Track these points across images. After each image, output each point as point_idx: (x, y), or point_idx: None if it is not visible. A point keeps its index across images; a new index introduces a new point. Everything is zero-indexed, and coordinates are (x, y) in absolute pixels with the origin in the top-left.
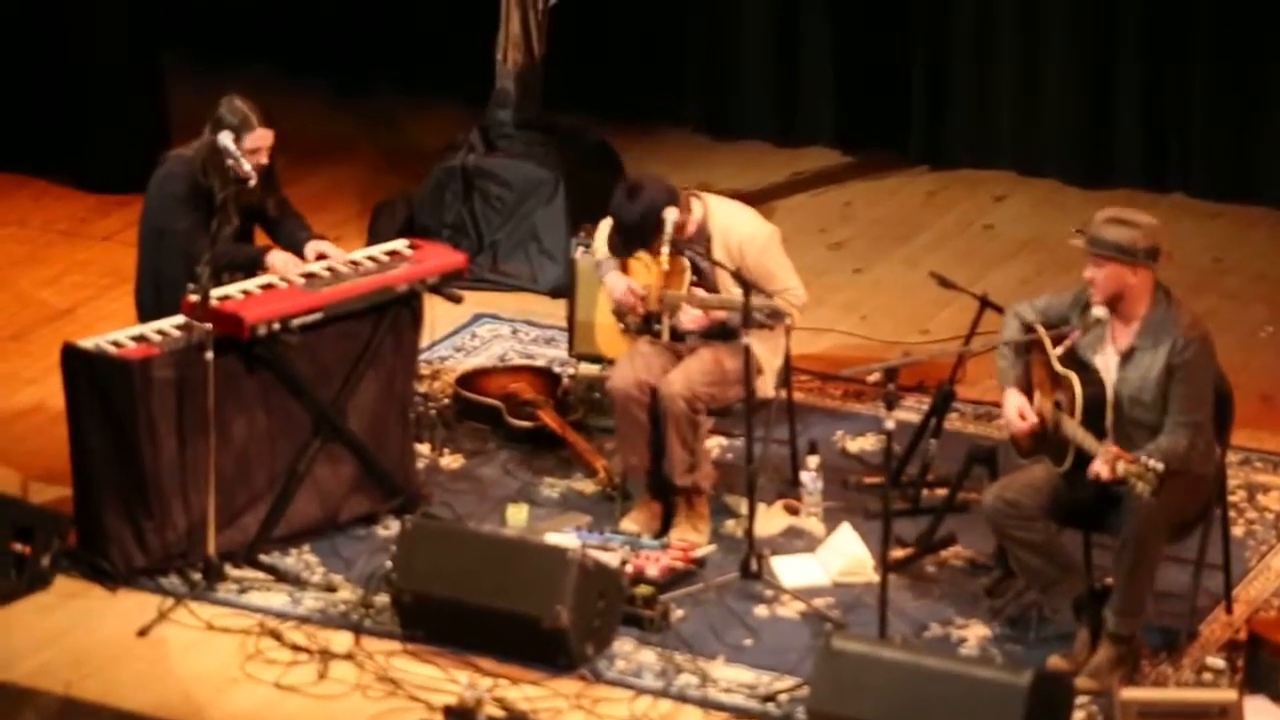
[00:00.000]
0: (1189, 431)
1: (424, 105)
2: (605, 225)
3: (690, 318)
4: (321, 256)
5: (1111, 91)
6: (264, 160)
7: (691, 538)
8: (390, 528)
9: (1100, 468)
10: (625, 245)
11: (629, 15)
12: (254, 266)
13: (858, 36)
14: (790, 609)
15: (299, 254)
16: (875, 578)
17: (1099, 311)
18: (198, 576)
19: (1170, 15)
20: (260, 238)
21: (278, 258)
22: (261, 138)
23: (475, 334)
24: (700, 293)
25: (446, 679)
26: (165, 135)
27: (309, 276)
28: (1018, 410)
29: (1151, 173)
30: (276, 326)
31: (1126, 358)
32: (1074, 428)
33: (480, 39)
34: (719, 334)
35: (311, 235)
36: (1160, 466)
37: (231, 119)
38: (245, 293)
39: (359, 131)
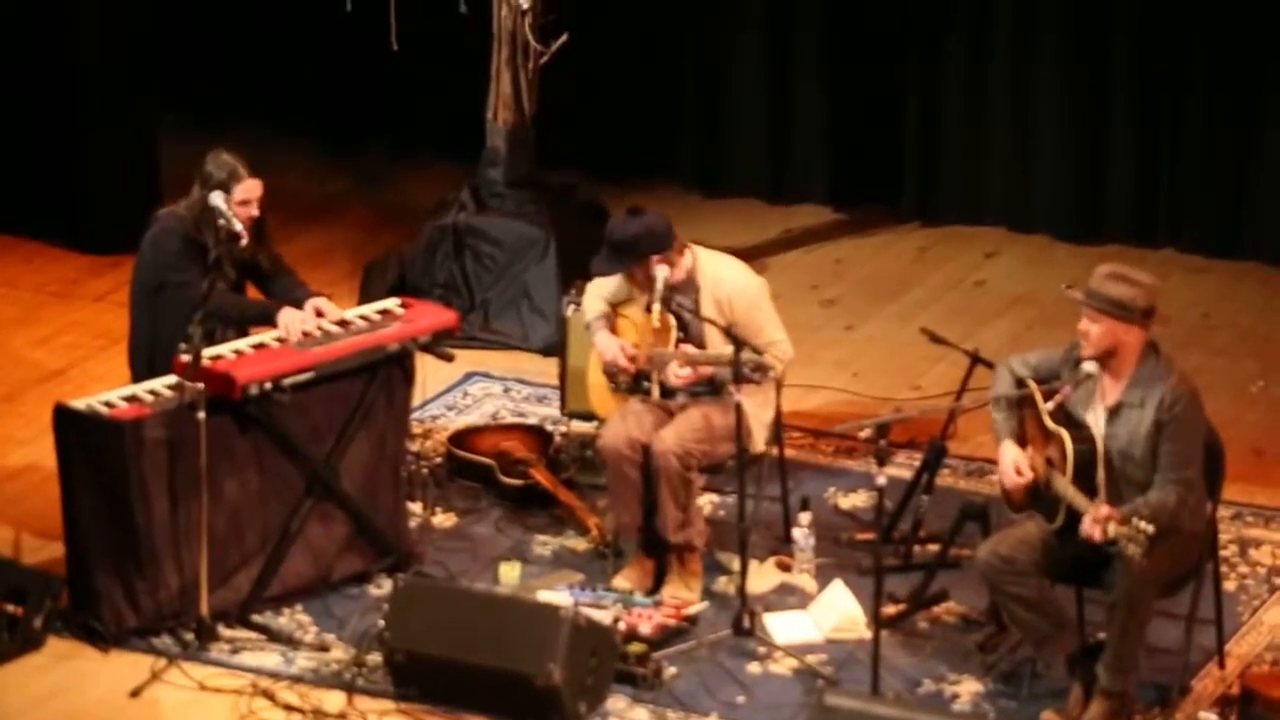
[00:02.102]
0: (1179, 488)
1: (415, 164)
2: (594, 284)
3: (677, 374)
4: (320, 313)
5: (1101, 148)
6: (254, 212)
7: (684, 595)
8: (383, 586)
9: (1091, 529)
10: (609, 261)
11: (620, 73)
12: (263, 321)
13: (849, 94)
14: (783, 666)
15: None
16: (868, 634)
17: (1089, 366)
18: (190, 636)
19: (1160, 73)
20: (253, 294)
21: (287, 314)
22: (251, 188)
23: (467, 392)
24: (688, 349)
25: None
26: (158, 196)
27: (301, 335)
28: (1014, 464)
29: (1141, 229)
30: (268, 386)
31: (1114, 413)
32: (1065, 485)
33: (471, 98)
34: (707, 390)
35: (309, 292)
36: (1151, 529)
37: (219, 173)
38: (237, 352)
39: (351, 191)
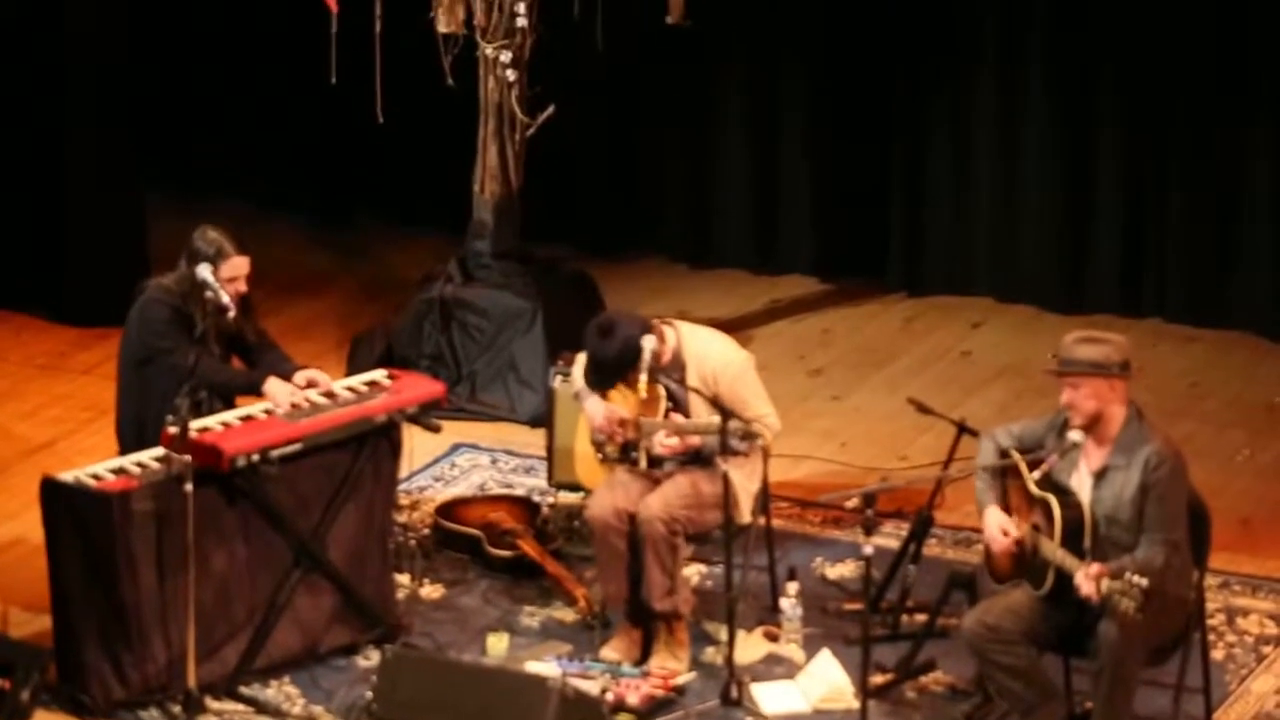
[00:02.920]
0: (1165, 549)
1: (402, 237)
2: (584, 356)
3: (665, 444)
4: (312, 384)
5: (1087, 218)
6: (242, 288)
7: (671, 665)
8: (371, 658)
9: (1086, 587)
10: (601, 382)
11: (605, 146)
12: (250, 391)
13: (834, 165)
14: None
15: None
16: (856, 704)
17: (1076, 436)
18: (178, 709)
19: (1144, 142)
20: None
21: (274, 385)
22: (238, 266)
23: (454, 464)
24: (677, 418)
25: None
26: (144, 270)
27: (289, 407)
28: (999, 526)
29: (1128, 298)
30: (256, 458)
31: (1100, 477)
32: (1053, 549)
33: (458, 170)
34: (694, 460)
35: (295, 366)
36: (1144, 582)
37: (207, 249)
38: (224, 424)
39: (337, 263)
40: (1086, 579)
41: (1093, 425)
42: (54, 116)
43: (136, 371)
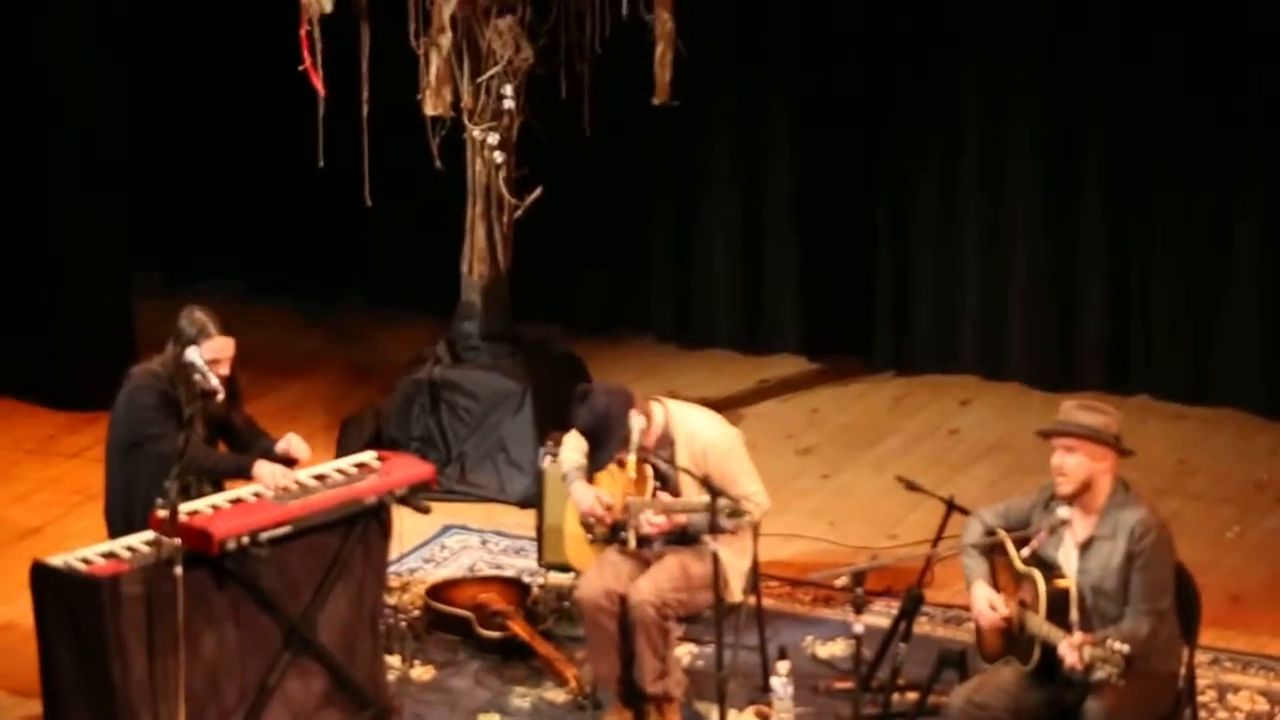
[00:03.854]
0: (1151, 619)
1: (391, 319)
2: (571, 436)
3: (651, 522)
4: (287, 454)
5: (1074, 296)
6: (225, 370)
7: None
8: None
9: (1069, 656)
10: (595, 451)
11: (593, 227)
12: (240, 475)
13: (821, 244)
14: None
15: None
16: None
17: (1063, 512)
18: None
19: (1129, 221)
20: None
21: (263, 468)
22: (221, 347)
23: (444, 545)
24: (665, 497)
25: None
26: (133, 353)
27: (278, 490)
28: (988, 602)
29: (1115, 376)
30: (245, 540)
31: (1086, 548)
32: (1039, 622)
33: (446, 252)
34: (681, 539)
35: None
36: (1125, 648)
37: (190, 330)
38: (214, 507)
39: (326, 346)
40: (1070, 648)
41: (1080, 495)
42: (44, 200)
43: (124, 455)
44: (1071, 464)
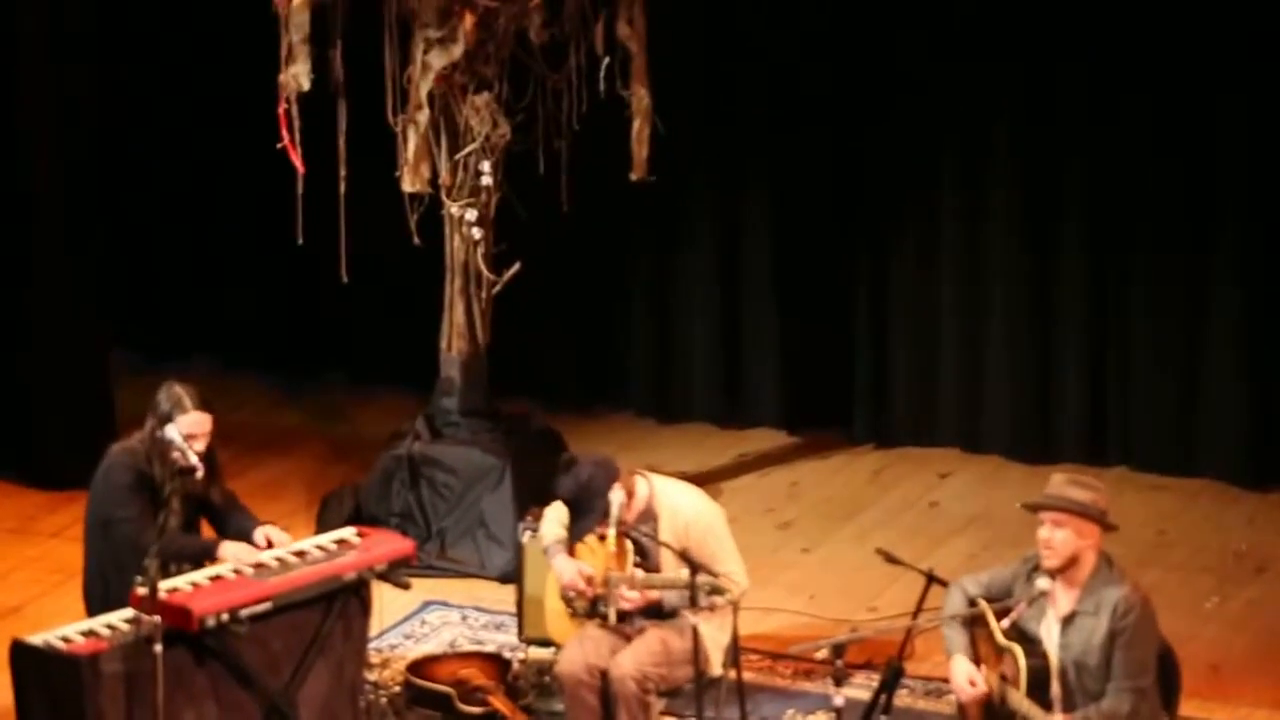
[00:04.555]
0: (1132, 697)
1: (370, 395)
2: (552, 509)
3: (625, 597)
4: (270, 543)
5: (1051, 368)
6: (202, 446)
7: None
8: None
9: None
10: (576, 521)
11: (571, 302)
12: (205, 558)
13: (799, 318)
14: None
15: (248, 544)
16: None
17: (1043, 583)
18: None
19: (1107, 292)
20: (206, 530)
21: (229, 549)
22: (197, 422)
23: (425, 621)
24: (640, 573)
25: None
26: (112, 432)
27: (258, 567)
28: (967, 677)
29: (1093, 447)
30: (225, 617)
31: (1068, 623)
32: (1019, 699)
33: (425, 328)
34: (658, 614)
35: (259, 523)
36: None
37: (167, 406)
38: (194, 584)
39: (306, 423)
40: None
41: (1065, 569)
42: (20, 278)
43: (102, 534)
44: (1060, 538)
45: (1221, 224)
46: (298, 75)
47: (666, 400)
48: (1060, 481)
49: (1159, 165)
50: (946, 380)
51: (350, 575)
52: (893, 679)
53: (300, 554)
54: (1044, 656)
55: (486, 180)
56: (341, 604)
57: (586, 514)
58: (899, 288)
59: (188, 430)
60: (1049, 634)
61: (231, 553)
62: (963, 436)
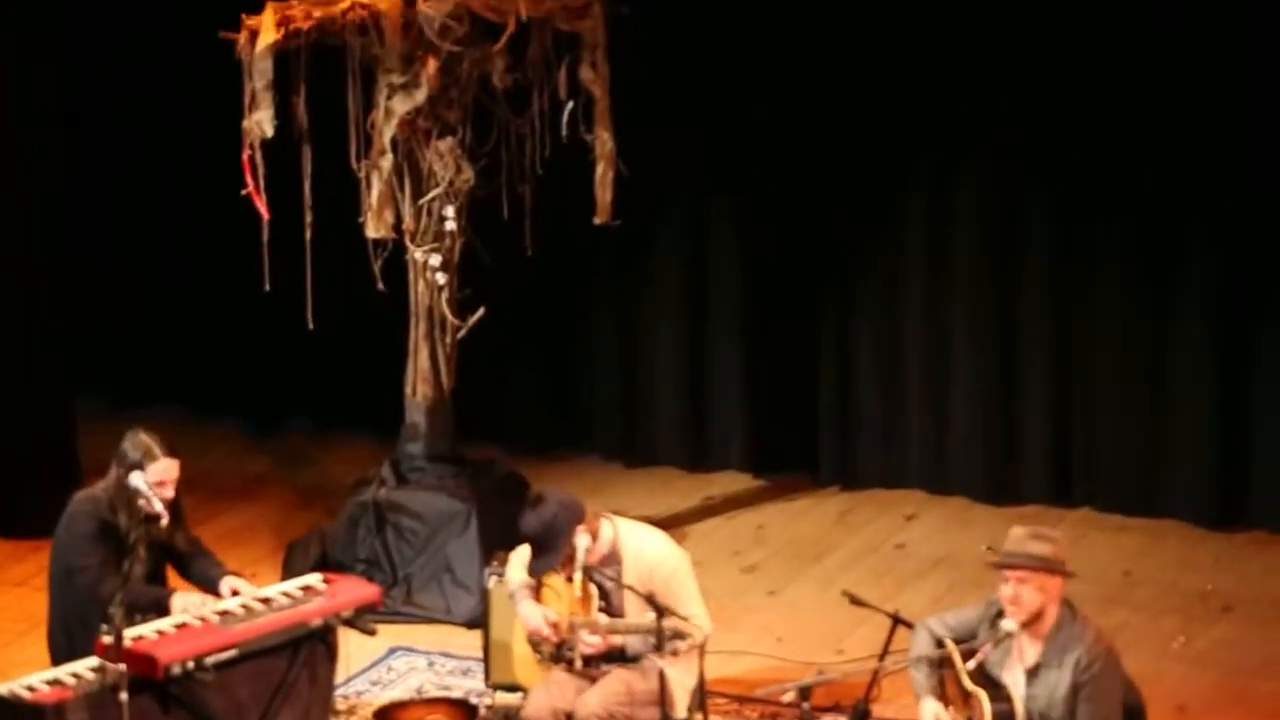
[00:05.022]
0: None
1: (335, 441)
2: (517, 554)
3: (586, 642)
4: (236, 593)
5: (1016, 409)
6: (170, 493)
7: None
8: None
9: None
10: (538, 559)
11: (536, 347)
12: (159, 609)
13: (765, 361)
14: None
15: (213, 591)
16: None
17: (1008, 624)
18: None
19: (1071, 332)
20: (171, 575)
21: (178, 601)
22: (166, 469)
23: (391, 667)
24: (604, 618)
25: None
26: (77, 479)
27: (223, 614)
28: (935, 718)
29: (1059, 488)
30: (191, 665)
31: (1033, 674)
32: None
33: (389, 374)
34: (623, 658)
35: (225, 571)
36: None
37: (134, 454)
38: (159, 632)
39: (271, 470)
40: None
41: (1031, 623)
42: None
43: (65, 582)
44: (1025, 594)
45: (1186, 264)
46: (261, 122)
47: (632, 444)
48: (1020, 537)
49: (1124, 206)
50: (911, 422)
51: (316, 622)
52: None
53: (266, 601)
54: (1009, 702)
55: (450, 225)
56: (307, 650)
57: (548, 553)
58: (864, 330)
59: (157, 478)
60: (1015, 683)
61: (181, 605)
62: (928, 478)
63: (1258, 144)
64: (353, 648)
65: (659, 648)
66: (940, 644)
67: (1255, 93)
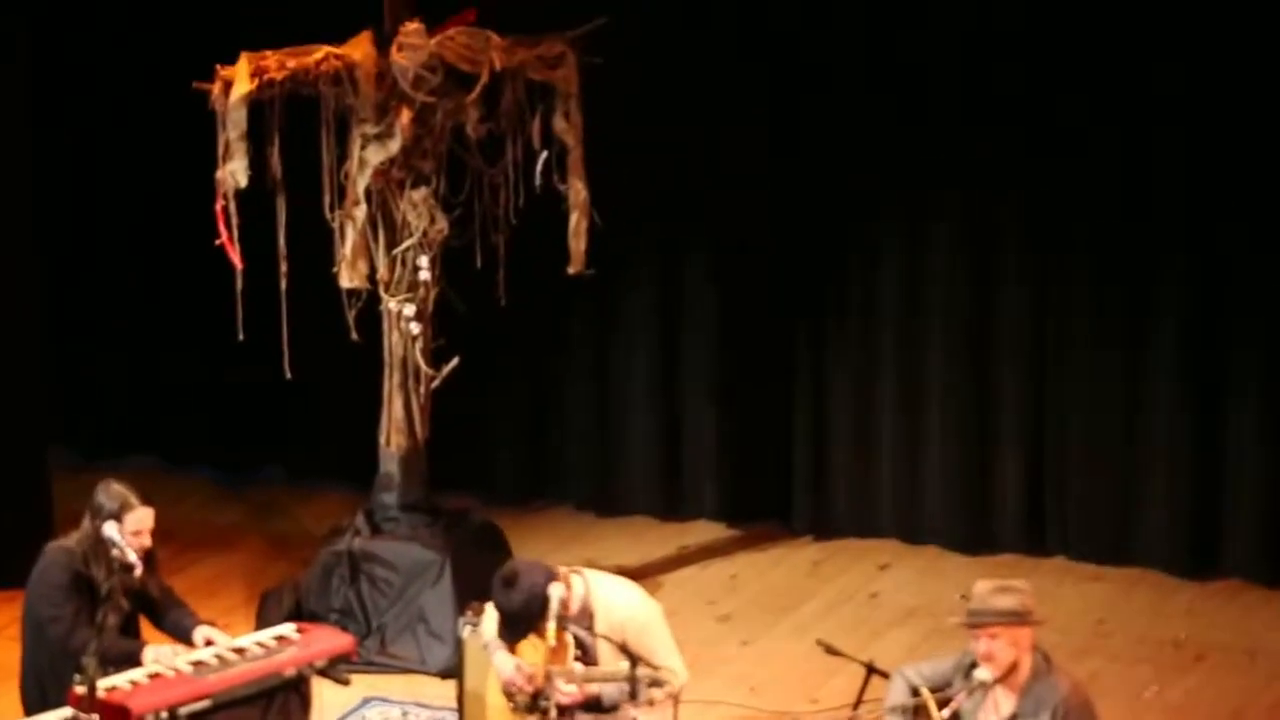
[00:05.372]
0: None
1: (309, 491)
2: (492, 608)
3: (563, 690)
4: (209, 643)
5: (989, 459)
6: (147, 542)
7: None
8: None
9: None
10: (512, 633)
11: (510, 396)
12: (130, 662)
13: (738, 411)
14: None
15: (187, 640)
16: None
17: (982, 673)
18: None
19: (1046, 383)
20: (145, 626)
21: (149, 654)
22: (143, 518)
23: (365, 717)
24: (579, 668)
25: None
26: (49, 530)
27: (196, 664)
28: None
29: (1032, 538)
30: (164, 716)
31: None
32: None
33: (363, 423)
34: (598, 709)
35: (199, 621)
36: None
37: (110, 504)
38: (133, 682)
39: (245, 519)
40: None
41: (1006, 674)
42: None
43: (37, 633)
44: (998, 649)
45: (1158, 319)
46: (235, 172)
47: (606, 494)
48: (985, 592)
49: (1093, 260)
50: (885, 472)
51: (290, 671)
52: None
53: (239, 650)
54: None
55: (424, 275)
56: (281, 700)
57: (520, 633)
58: (837, 380)
59: (134, 527)
60: None
61: (152, 657)
62: (902, 528)
63: (1231, 197)
64: (327, 698)
65: (634, 696)
66: (916, 692)
67: (1230, 140)
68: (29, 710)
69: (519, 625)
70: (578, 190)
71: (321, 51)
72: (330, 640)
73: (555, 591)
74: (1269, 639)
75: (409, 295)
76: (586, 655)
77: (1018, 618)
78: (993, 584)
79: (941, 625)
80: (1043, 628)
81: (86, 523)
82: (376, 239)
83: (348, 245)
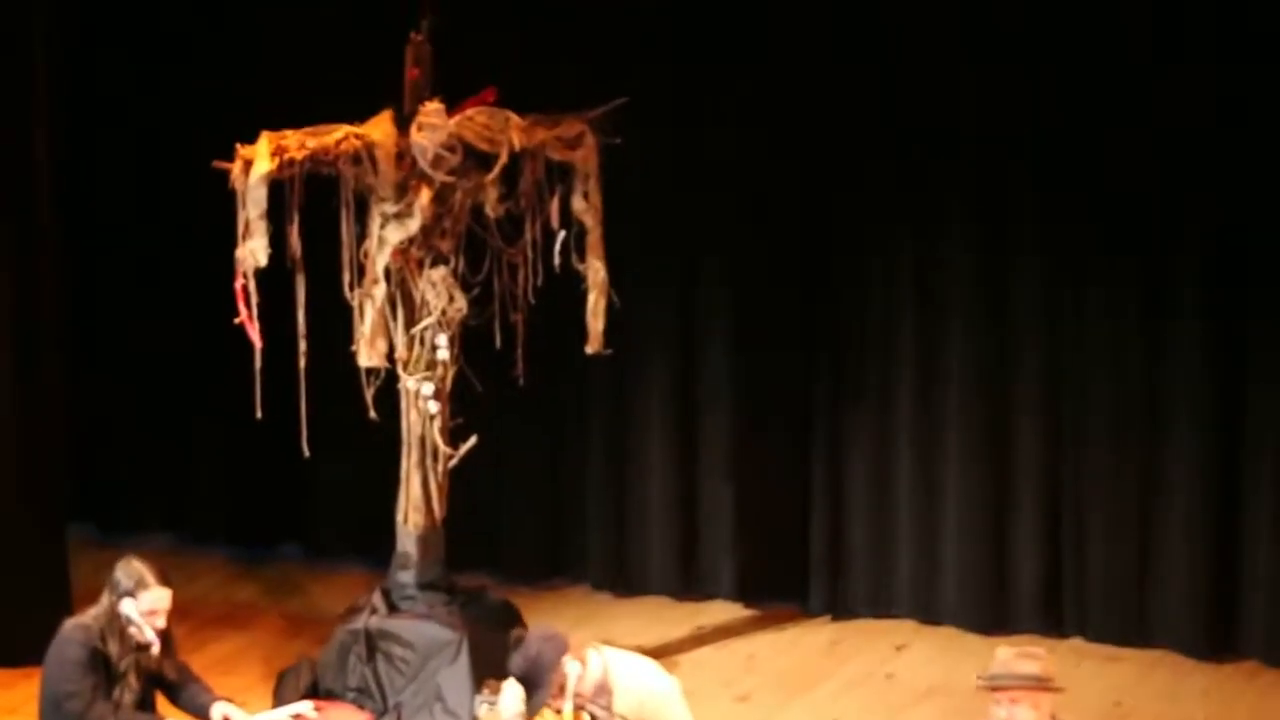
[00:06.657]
0: None
1: (326, 569)
2: (511, 683)
3: None
4: (227, 719)
5: (1006, 539)
6: (161, 623)
7: None
8: None
9: None
10: (535, 695)
11: (528, 476)
12: None
13: (755, 491)
14: None
15: (204, 717)
16: None
17: None
18: None
19: (1064, 463)
20: (161, 703)
21: None
22: (159, 599)
23: None
24: None
25: None
26: (67, 607)
27: None
28: None
29: (1049, 618)
30: None
31: None
32: None
33: (381, 502)
34: None
35: (216, 697)
36: None
37: (127, 581)
38: None
39: (262, 597)
40: None
41: None
42: None
43: (54, 710)
44: (1020, 714)
45: (1175, 394)
46: (254, 250)
47: (622, 573)
48: (1008, 658)
49: (1113, 340)
50: (901, 552)
51: None
52: None
53: None
54: None
55: (443, 354)
56: None
57: (539, 688)
58: (854, 460)
59: (150, 606)
60: None
61: None
62: (918, 608)
63: (1251, 266)
64: None
65: None
66: None
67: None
68: None
69: (532, 684)
70: (596, 270)
71: (341, 131)
72: (347, 718)
73: (572, 670)
74: None
75: (427, 374)
76: None
77: (1039, 682)
78: (1015, 650)
79: (958, 705)
80: (1061, 709)
81: (105, 599)
82: (395, 318)
83: (366, 324)
